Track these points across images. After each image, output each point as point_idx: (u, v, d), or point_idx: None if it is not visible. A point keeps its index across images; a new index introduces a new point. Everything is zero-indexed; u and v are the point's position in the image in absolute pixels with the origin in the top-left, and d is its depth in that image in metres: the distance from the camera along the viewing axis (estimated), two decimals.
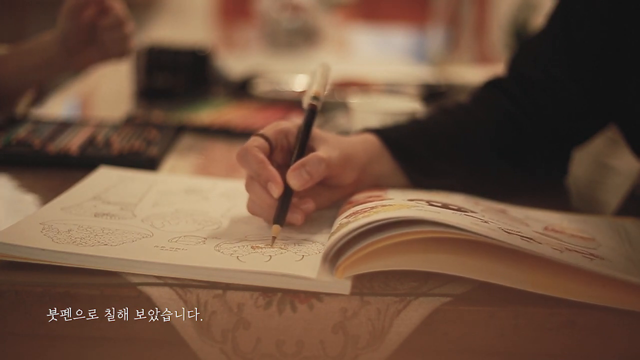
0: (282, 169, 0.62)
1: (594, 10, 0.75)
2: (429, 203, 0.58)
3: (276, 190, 0.59)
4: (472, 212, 0.58)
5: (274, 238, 0.58)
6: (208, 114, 1.13)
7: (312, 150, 0.63)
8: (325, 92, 0.67)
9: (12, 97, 1.01)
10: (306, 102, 0.66)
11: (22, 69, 0.97)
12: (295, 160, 0.61)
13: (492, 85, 0.81)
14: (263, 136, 0.62)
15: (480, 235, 0.49)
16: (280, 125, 0.64)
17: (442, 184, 0.70)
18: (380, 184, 0.69)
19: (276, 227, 0.58)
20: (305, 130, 0.64)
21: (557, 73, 0.77)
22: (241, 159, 0.61)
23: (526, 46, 0.84)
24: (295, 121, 0.66)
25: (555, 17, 0.80)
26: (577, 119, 0.77)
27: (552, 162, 0.78)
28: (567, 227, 0.63)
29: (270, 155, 0.62)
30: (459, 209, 0.58)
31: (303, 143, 0.63)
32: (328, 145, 0.64)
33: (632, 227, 0.64)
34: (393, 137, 0.71)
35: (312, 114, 0.65)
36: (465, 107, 0.79)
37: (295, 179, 0.60)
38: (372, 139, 0.70)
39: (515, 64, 0.82)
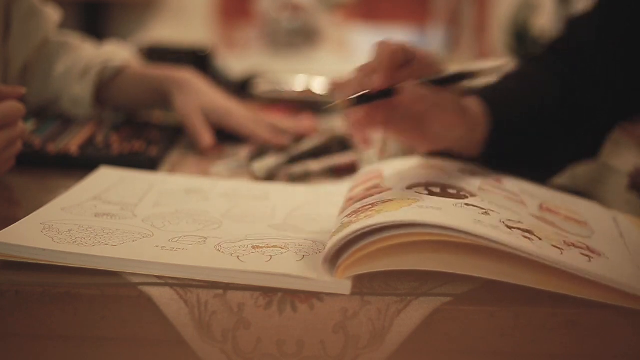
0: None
1: None
2: (427, 188, 0.58)
3: (378, 81, 0.60)
4: (471, 194, 0.58)
5: (334, 105, 0.59)
6: None
7: None
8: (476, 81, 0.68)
9: (121, 107, 1.06)
10: (466, 68, 0.67)
11: (138, 90, 1.03)
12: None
13: (551, 52, 0.84)
14: (408, 47, 0.64)
15: (483, 238, 0.49)
16: (433, 56, 0.66)
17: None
18: (470, 138, 0.71)
19: (346, 100, 0.59)
20: (445, 78, 0.65)
21: (608, 40, 0.79)
22: (377, 46, 0.64)
23: (582, 14, 0.86)
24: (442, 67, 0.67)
25: None
26: (623, 90, 0.78)
27: (592, 136, 0.80)
28: (560, 207, 0.64)
29: (406, 64, 0.64)
30: (459, 193, 0.58)
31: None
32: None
33: (623, 221, 0.65)
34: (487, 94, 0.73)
35: (457, 75, 0.66)
36: (532, 74, 0.81)
37: (406, 89, 0.61)
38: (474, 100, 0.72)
39: (573, 28, 0.85)
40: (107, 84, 1.02)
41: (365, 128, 0.62)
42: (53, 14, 1.03)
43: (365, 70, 0.63)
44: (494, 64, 0.69)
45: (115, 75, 1.03)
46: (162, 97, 1.02)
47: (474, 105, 0.72)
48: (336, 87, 0.64)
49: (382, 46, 0.63)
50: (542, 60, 0.83)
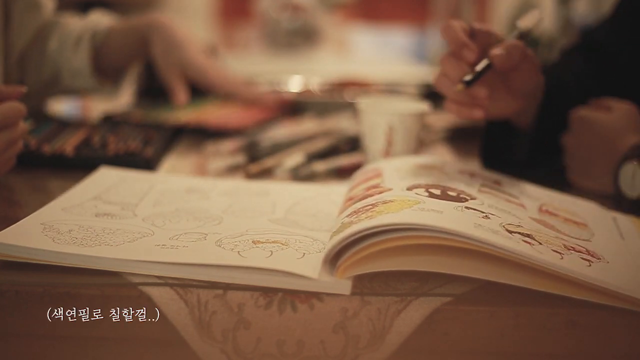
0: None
1: None
2: (428, 191, 0.58)
3: (471, 55, 0.67)
4: (471, 197, 0.58)
5: (459, 87, 0.66)
6: (186, 113, 1.12)
7: None
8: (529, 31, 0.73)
9: (118, 69, 1.08)
10: (517, 28, 0.73)
11: (126, 44, 1.05)
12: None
13: (569, 52, 0.90)
14: (468, 24, 0.70)
15: (483, 243, 0.49)
16: (488, 27, 0.71)
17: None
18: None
19: (461, 85, 0.65)
20: (518, 35, 0.71)
21: (624, 40, 0.84)
22: (443, 30, 0.69)
23: (599, 21, 0.92)
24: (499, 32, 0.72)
25: None
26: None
27: None
28: (559, 209, 0.64)
29: (471, 37, 0.69)
30: (459, 196, 0.58)
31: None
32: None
33: (623, 221, 0.65)
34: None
35: (518, 33, 0.72)
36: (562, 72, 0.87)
37: (497, 55, 0.67)
38: None
39: (589, 33, 0.90)
40: (100, 49, 1.04)
41: (475, 106, 0.69)
42: (49, 3, 1.04)
43: (453, 55, 0.69)
44: (534, 17, 0.75)
45: (105, 38, 1.04)
46: (146, 44, 1.04)
47: None
48: (437, 84, 0.71)
49: (451, 27, 0.68)
50: (559, 63, 0.89)
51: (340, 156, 0.88)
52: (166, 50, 1.02)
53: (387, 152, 0.80)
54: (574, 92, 0.82)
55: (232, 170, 0.85)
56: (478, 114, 0.68)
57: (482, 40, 0.70)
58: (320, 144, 0.90)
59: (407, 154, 0.79)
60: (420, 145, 0.81)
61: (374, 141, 0.81)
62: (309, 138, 0.93)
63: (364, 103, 0.85)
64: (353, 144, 0.91)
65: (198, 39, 1.09)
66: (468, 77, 0.67)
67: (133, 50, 1.06)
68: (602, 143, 0.74)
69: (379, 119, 0.80)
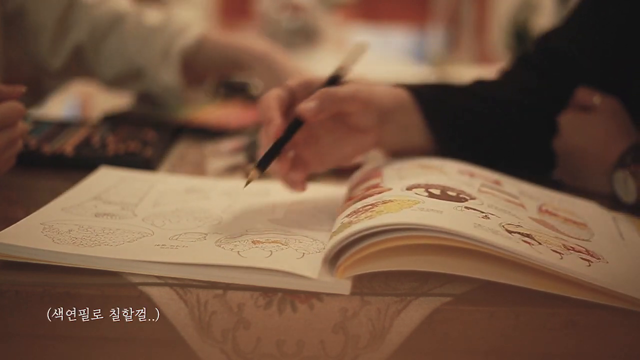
0: None
1: None
2: (428, 191, 0.58)
3: (272, 130, 0.61)
4: (471, 197, 0.58)
5: (248, 182, 0.59)
6: (186, 113, 1.12)
7: None
8: (350, 70, 0.70)
9: (203, 77, 1.10)
10: (333, 71, 0.69)
11: (216, 64, 1.07)
12: None
13: (521, 60, 0.86)
14: (285, 87, 0.65)
15: (483, 243, 0.49)
16: (306, 77, 0.67)
17: (464, 138, 0.73)
18: (407, 137, 0.72)
19: (254, 171, 0.59)
20: (326, 84, 0.66)
21: (580, 46, 0.81)
22: (259, 104, 0.64)
23: (554, 26, 0.89)
24: (322, 77, 0.68)
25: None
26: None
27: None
28: (559, 209, 0.64)
29: (291, 107, 0.65)
30: (458, 195, 0.58)
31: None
32: (346, 85, 0.67)
33: (623, 221, 0.65)
34: (422, 91, 0.74)
35: (333, 78, 0.68)
36: (493, 80, 0.84)
37: (304, 109, 0.62)
38: (400, 90, 0.73)
39: (543, 40, 0.87)
40: (189, 63, 1.05)
41: (294, 172, 0.64)
42: None
43: (265, 131, 0.63)
44: (357, 53, 0.71)
45: (195, 54, 1.04)
46: (240, 68, 1.05)
47: (394, 91, 0.73)
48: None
49: (263, 101, 0.64)
50: (510, 71, 0.86)
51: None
52: (274, 82, 1.01)
53: None
54: (517, 108, 0.79)
55: (232, 170, 0.85)
56: (299, 188, 0.64)
57: (305, 95, 0.65)
58: None
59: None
60: None
61: None
62: None
63: None
64: None
65: (300, 68, 1.09)
66: (260, 161, 0.60)
67: (221, 70, 1.09)
68: (595, 147, 0.74)
69: None
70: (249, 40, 1.08)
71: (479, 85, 0.82)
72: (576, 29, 0.83)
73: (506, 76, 0.85)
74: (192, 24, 1.08)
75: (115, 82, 1.08)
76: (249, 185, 0.60)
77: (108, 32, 1.04)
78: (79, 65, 1.06)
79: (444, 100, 0.75)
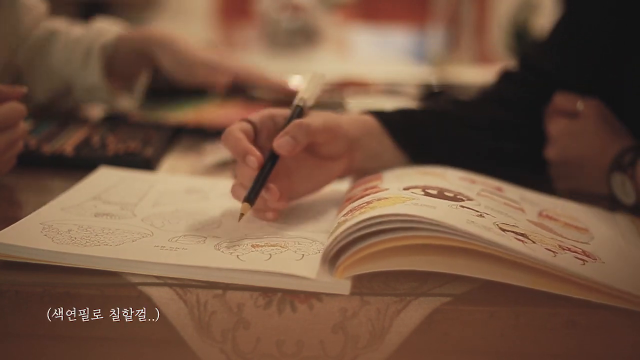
0: (266, 152, 0.63)
1: (601, 3, 0.79)
2: (425, 191, 0.58)
3: (254, 161, 0.61)
4: (468, 199, 0.58)
5: (242, 215, 0.59)
6: (185, 113, 1.12)
7: None
8: (312, 100, 0.69)
9: (128, 77, 1.09)
10: (295, 102, 0.68)
11: (132, 57, 1.06)
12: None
13: (504, 76, 0.86)
14: (248, 120, 0.65)
15: (474, 237, 0.49)
16: (268, 111, 0.67)
17: (438, 159, 0.72)
18: (379, 162, 0.72)
19: (245, 205, 0.59)
20: (291, 118, 0.65)
21: (561, 64, 0.81)
22: (224, 140, 0.63)
23: (537, 44, 0.90)
24: (284, 110, 0.67)
25: (564, 15, 0.84)
26: None
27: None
28: (561, 214, 0.64)
29: (255, 139, 0.65)
30: (455, 196, 0.58)
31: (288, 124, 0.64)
32: (313, 115, 0.67)
33: (623, 221, 0.65)
34: (390, 116, 0.74)
35: (298, 109, 0.67)
36: (471, 99, 0.84)
37: (281, 145, 0.62)
38: (367, 117, 0.73)
39: (526, 58, 0.87)
40: (109, 61, 1.04)
41: (267, 210, 0.63)
42: (39, 5, 1.04)
43: (238, 171, 0.64)
44: (315, 82, 0.71)
45: (113, 51, 1.04)
46: (152, 59, 1.05)
47: (359, 118, 0.73)
48: (235, 196, 0.64)
49: (229, 136, 0.63)
50: (495, 88, 0.86)
51: None
52: (178, 63, 1.04)
53: None
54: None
55: (221, 166, 0.85)
56: (270, 217, 0.63)
57: (270, 127, 0.66)
58: None
59: None
60: None
61: None
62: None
63: (353, 102, 0.86)
64: None
65: (196, 40, 1.10)
66: (249, 195, 0.60)
67: (139, 62, 1.07)
68: (592, 153, 0.74)
69: None
70: (153, 30, 1.10)
71: (454, 106, 0.82)
72: (555, 47, 0.84)
73: (487, 93, 0.85)
74: (113, 26, 1.08)
75: (48, 101, 1.06)
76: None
77: (40, 50, 1.04)
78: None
79: (412, 124, 0.75)
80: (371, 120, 0.73)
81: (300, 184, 0.67)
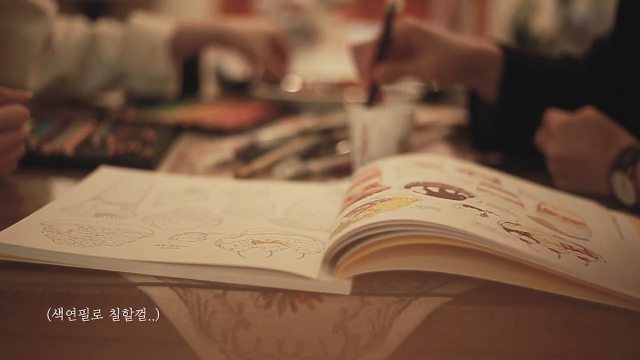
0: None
1: None
2: (427, 189, 0.58)
3: (365, 84, 0.88)
4: (470, 195, 0.58)
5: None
6: (180, 113, 1.13)
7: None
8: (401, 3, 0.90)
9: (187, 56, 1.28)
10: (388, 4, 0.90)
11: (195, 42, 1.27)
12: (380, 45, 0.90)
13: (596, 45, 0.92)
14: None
15: (481, 240, 0.49)
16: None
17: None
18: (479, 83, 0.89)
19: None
20: (387, 26, 0.90)
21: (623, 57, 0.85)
22: (351, 52, 0.90)
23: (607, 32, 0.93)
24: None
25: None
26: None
27: None
28: (558, 207, 0.64)
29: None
30: (457, 194, 0.58)
31: (386, 32, 0.92)
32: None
33: (623, 220, 0.65)
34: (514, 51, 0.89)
35: (392, 10, 0.92)
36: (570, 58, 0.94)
37: (380, 74, 0.86)
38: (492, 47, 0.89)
39: (598, 43, 0.92)
40: (174, 49, 1.22)
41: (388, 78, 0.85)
42: (49, 7, 1.12)
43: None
44: None
45: (176, 39, 1.21)
46: (224, 43, 1.28)
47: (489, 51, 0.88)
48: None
49: (356, 54, 0.90)
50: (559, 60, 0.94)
51: (336, 155, 0.88)
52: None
53: (363, 152, 0.81)
54: (553, 87, 0.88)
55: (220, 166, 0.85)
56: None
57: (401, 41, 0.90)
58: (299, 145, 0.90)
59: (386, 154, 0.79)
60: (408, 146, 0.82)
61: (353, 140, 0.83)
62: (291, 138, 0.94)
63: (353, 102, 0.86)
64: (331, 142, 0.92)
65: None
66: (365, 100, 0.85)
67: (193, 52, 1.29)
68: (595, 149, 0.74)
69: (355, 119, 0.82)
70: (204, 23, 1.33)
71: (563, 61, 0.93)
72: (618, 36, 0.86)
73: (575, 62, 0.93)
74: (156, 22, 1.24)
75: (99, 90, 1.22)
76: (250, 184, 0.61)
77: (88, 53, 1.18)
78: (57, 90, 1.17)
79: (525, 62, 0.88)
80: (493, 48, 0.89)
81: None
